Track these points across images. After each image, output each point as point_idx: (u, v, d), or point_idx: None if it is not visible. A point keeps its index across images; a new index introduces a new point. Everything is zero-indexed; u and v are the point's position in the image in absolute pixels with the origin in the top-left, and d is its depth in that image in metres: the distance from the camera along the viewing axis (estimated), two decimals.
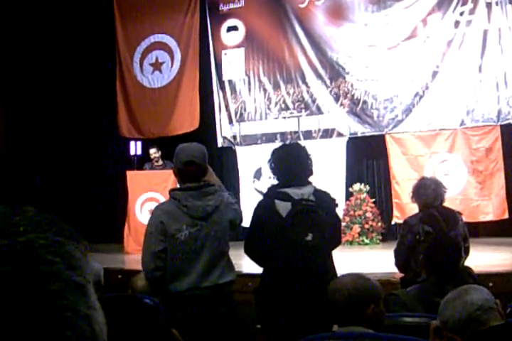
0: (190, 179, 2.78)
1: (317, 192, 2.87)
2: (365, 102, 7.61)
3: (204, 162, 2.81)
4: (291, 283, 2.76)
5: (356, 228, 7.42)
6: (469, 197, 6.93)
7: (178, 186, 2.94)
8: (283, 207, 2.79)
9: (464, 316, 1.66)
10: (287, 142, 6.17)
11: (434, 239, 2.95)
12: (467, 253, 3.61)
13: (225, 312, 2.75)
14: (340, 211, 7.11)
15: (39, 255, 0.43)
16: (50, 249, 0.43)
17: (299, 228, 2.73)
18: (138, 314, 1.07)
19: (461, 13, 7.10)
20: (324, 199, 2.89)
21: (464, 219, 3.97)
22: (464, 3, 7.08)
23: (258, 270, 3.05)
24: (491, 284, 4.11)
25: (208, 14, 8.45)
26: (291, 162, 2.88)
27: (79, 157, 9.05)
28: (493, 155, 6.91)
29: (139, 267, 2.83)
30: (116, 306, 1.11)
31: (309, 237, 2.74)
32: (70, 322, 0.42)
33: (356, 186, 7.64)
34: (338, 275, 2.78)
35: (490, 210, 6.86)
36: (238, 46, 8.31)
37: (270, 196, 2.88)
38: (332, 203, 2.96)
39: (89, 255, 0.47)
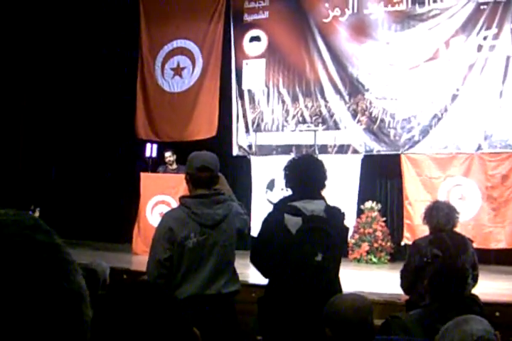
0: (203, 184, 2.77)
1: (328, 209, 2.81)
2: (382, 121, 7.57)
3: (216, 169, 2.82)
4: (297, 298, 2.71)
5: (365, 246, 7.34)
6: (482, 223, 6.82)
7: (188, 193, 2.94)
8: (293, 223, 2.72)
9: None
10: None
11: (440, 264, 2.90)
12: (475, 281, 3.55)
13: (226, 322, 2.72)
14: (350, 228, 7.05)
15: (60, 247, 0.59)
16: (63, 247, 0.60)
17: (309, 247, 2.66)
18: (165, 305, 1.04)
19: (485, 38, 7.05)
20: (335, 216, 2.83)
21: (476, 245, 3.92)
22: (489, 28, 7.03)
23: (263, 281, 3.02)
24: (497, 314, 4.03)
25: (232, 23, 8.49)
26: (307, 173, 2.82)
27: (95, 155, 9.12)
28: (508, 183, 6.81)
29: (145, 269, 2.82)
30: (144, 292, 1.07)
31: (319, 257, 2.66)
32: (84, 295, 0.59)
33: (368, 204, 7.58)
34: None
35: (502, 238, 6.75)
36: (260, 57, 8.33)
37: (280, 209, 2.81)
38: (342, 218, 2.91)
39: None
